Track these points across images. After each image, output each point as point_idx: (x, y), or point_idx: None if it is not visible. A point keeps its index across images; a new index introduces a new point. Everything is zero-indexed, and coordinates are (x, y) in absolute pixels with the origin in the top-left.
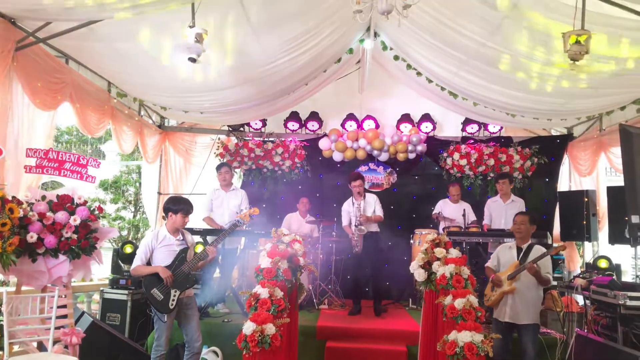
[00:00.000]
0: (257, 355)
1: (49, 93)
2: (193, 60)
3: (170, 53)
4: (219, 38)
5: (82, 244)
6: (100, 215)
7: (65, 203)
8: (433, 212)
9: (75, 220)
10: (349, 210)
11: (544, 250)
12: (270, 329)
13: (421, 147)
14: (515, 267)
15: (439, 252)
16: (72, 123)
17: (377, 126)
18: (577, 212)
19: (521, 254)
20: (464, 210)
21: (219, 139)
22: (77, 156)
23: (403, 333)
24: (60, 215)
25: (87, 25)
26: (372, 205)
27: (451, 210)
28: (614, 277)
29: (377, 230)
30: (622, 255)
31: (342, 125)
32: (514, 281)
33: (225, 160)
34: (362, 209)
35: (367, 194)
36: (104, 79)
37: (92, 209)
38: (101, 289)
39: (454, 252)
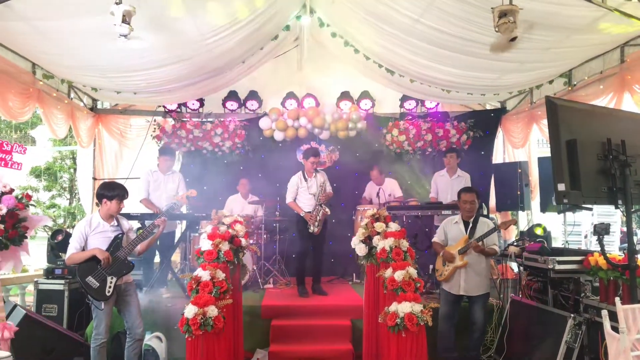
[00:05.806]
0: (200, 338)
1: None
2: (124, 35)
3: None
4: (149, 14)
5: (10, 234)
6: (30, 203)
7: None
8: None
9: (1, 210)
10: (298, 186)
11: (489, 222)
12: (212, 311)
13: (361, 125)
14: (465, 241)
15: (379, 226)
16: None
17: (318, 104)
18: (511, 183)
19: (469, 228)
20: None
21: (154, 120)
22: None
23: (347, 307)
24: None
25: (2, 2)
26: (325, 183)
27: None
28: (544, 243)
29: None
30: (553, 222)
31: (283, 104)
32: (465, 255)
33: (163, 143)
34: (317, 186)
35: (317, 171)
36: (27, 60)
37: (19, 197)
38: (35, 279)
39: (393, 226)
